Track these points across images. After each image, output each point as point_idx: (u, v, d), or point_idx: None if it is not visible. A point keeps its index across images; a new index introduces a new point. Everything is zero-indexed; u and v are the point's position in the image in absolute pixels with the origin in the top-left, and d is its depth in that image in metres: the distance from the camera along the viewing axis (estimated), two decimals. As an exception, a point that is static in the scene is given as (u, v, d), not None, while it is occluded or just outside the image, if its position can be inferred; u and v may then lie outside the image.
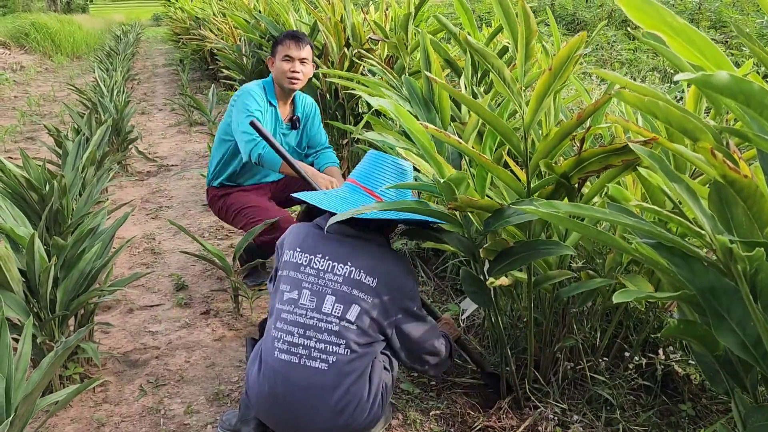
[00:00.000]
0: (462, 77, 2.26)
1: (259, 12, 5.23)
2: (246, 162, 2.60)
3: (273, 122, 2.70)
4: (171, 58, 11.72)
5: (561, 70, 1.33)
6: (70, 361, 2.03)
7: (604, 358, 1.84)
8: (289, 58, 2.61)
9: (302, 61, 2.63)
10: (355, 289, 1.55)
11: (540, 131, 1.77)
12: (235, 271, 2.54)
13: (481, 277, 1.66)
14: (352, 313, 1.54)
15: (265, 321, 1.78)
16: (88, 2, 27.93)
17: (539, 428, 1.75)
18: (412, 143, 1.78)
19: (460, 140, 1.46)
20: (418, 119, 1.66)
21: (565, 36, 7.51)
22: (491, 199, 1.53)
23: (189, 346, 2.29)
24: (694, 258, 1.07)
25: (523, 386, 1.84)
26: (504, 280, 1.57)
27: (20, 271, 1.81)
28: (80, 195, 2.63)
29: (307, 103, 2.85)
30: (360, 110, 3.68)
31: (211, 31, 6.89)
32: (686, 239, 1.13)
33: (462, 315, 2.30)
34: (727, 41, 6.63)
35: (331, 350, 1.52)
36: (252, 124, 2.17)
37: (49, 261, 1.81)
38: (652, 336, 1.86)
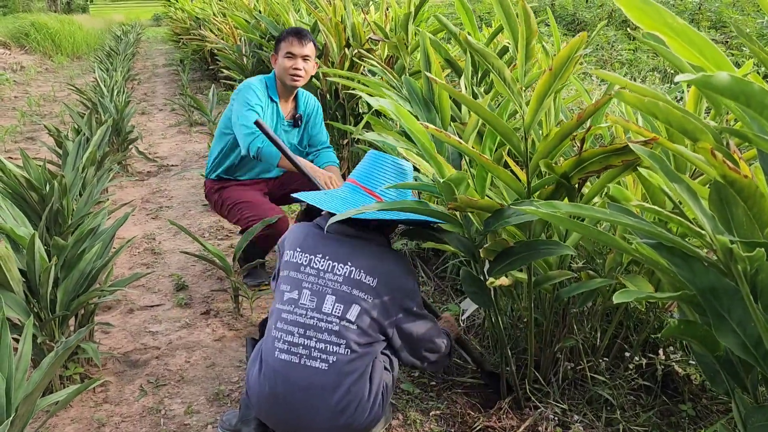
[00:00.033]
0: (462, 77, 2.26)
1: (260, 12, 5.23)
2: (244, 156, 2.61)
3: (274, 118, 2.70)
4: (171, 58, 11.72)
5: (561, 70, 1.33)
6: (70, 361, 2.03)
7: (605, 359, 1.84)
8: (291, 55, 2.61)
9: (305, 58, 2.62)
10: (355, 289, 1.56)
11: (540, 131, 1.77)
12: (235, 271, 2.54)
13: (482, 278, 1.66)
14: (353, 312, 1.54)
15: (265, 321, 1.78)
16: (89, 2, 27.93)
17: (539, 428, 1.74)
18: (412, 143, 1.78)
19: (461, 140, 1.46)
20: (418, 119, 1.66)
21: (566, 36, 7.51)
22: (491, 199, 1.53)
23: (189, 347, 2.29)
24: (694, 258, 1.07)
25: (524, 386, 1.84)
26: (504, 281, 1.57)
27: (20, 271, 1.81)
28: (80, 195, 2.63)
29: (309, 101, 2.85)
30: (360, 110, 3.68)
31: (211, 31, 6.89)
32: (686, 239, 1.13)
33: (462, 315, 2.30)
34: (727, 41, 6.63)
35: (331, 350, 1.52)
36: (257, 123, 2.18)
37: (50, 261, 1.81)
38: (653, 336, 1.86)
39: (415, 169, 1.76)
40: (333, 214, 1.48)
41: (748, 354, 1.04)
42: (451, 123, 1.98)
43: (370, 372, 1.57)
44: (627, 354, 1.82)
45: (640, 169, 1.39)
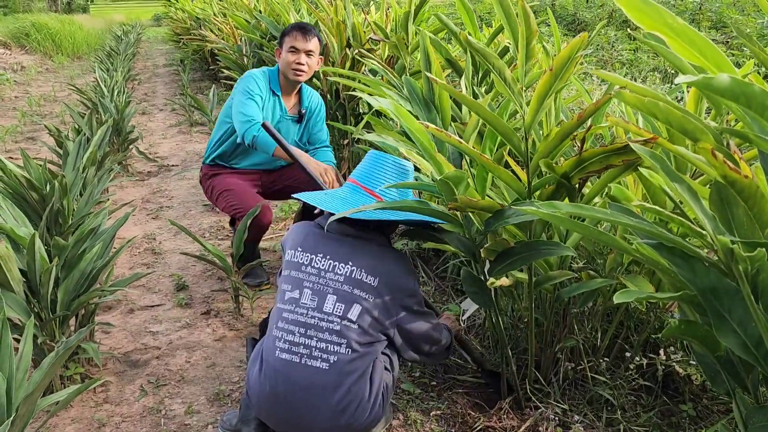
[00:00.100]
0: (462, 77, 2.26)
1: (260, 12, 5.23)
2: (240, 143, 2.61)
3: (276, 111, 2.70)
4: (172, 58, 11.72)
5: (562, 70, 1.33)
6: (70, 361, 2.03)
7: (605, 359, 1.84)
8: (294, 50, 2.61)
9: (308, 53, 2.62)
10: (356, 289, 1.56)
11: (541, 131, 1.77)
12: (236, 271, 2.54)
13: (482, 278, 1.66)
14: (354, 312, 1.54)
15: (265, 321, 1.79)
16: (89, 2, 27.95)
17: (540, 429, 1.74)
18: (412, 143, 1.78)
19: (461, 140, 1.46)
20: (418, 119, 1.66)
21: (566, 36, 7.51)
22: (492, 199, 1.53)
23: (190, 347, 2.29)
24: (695, 258, 1.07)
25: (524, 386, 1.84)
26: (505, 281, 1.57)
27: (21, 271, 1.81)
28: (81, 195, 2.63)
29: (313, 97, 2.85)
30: (361, 110, 3.68)
31: (211, 31, 6.90)
32: (687, 240, 1.13)
33: (463, 315, 2.30)
34: (727, 41, 6.62)
35: (332, 350, 1.53)
36: (263, 125, 2.19)
37: (50, 261, 1.81)
38: (653, 336, 1.86)
39: (416, 169, 1.76)
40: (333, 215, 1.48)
41: (749, 354, 1.04)
42: (452, 123, 1.98)
43: (371, 372, 1.57)
44: (628, 354, 1.82)
45: (641, 169, 1.39)
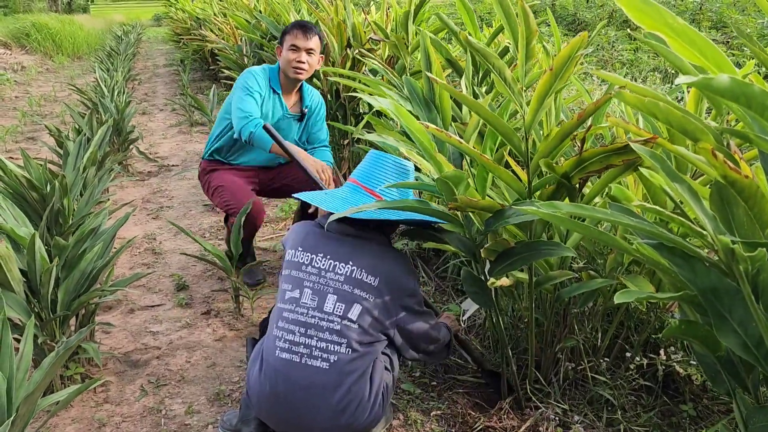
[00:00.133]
0: (463, 77, 2.26)
1: (260, 12, 5.23)
2: (237, 139, 2.61)
3: (275, 109, 2.70)
4: (172, 58, 11.72)
5: (562, 70, 1.33)
6: (71, 361, 2.04)
7: (605, 359, 1.84)
8: (295, 48, 2.60)
9: (309, 51, 2.62)
10: (356, 288, 1.56)
11: (541, 131, 1.77)
12: (236, 271, 2.54)
13: (482, 278, 1.66)
14: (354, 312, 1.54)
15: (265, 321, 1.79)
16: (89, 2, 27.96)
17: (540, 429, 1.74)
18: (412, 143, 1.78)
19: (461, 140, 1.46)
20: (418, 119, 1.66)
21: (566, 36, 7.51)
22: (492, 199, 1.53)
23: (190, 347, 2.29)
24: (695, 258, 1.07)
25: (524, 387, 1.84)
26: (505, 281, 1.57)
27: (21, 271, 1.81)
28: (81, 195, 2.63)
29: (314, 96, 2.85)
30: (361, 110, 3.68)
31: (211, 31, 6.90)
32: (688, 240, 1.13)
33: (463, 315, 2.30)
34: (728, 41, 6.62)
35: (332, 349, 1.53)
36: (265, 128, 2.19)
37: (51, 261, 1.81)
38: (654, 336, 1.86)
39: (417, 169, 1.76)
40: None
41: (750, 354, 1.04)
42: (452, 123, 1.98)
43: (371, 372, 1.57)
44: (628, 354, 1.82)
45: (641, 169, 1.39)
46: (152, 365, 2.17)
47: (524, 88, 1.44)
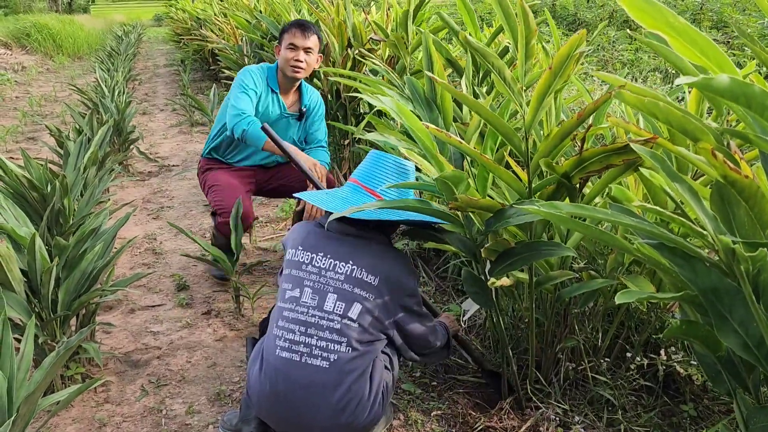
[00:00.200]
0: (463, 77, 2.26)
1: (261, 12, 5.23)
2: (231, 137, 2.61)
3: (273, 108, 2.70)
4: (172, 58, 11.73)
5: (561, 68, 1.33)
6: (71, 361, 2.04)
7: (606, 359, 1.84)
8: (293, 47, 2.59)
9: (307, 50, 2.61)
10: (356, 288, 1.56)
11: (541, 131, 1.77)
12: (236, 272, 2.54)
13: (483, 278, 1.66)
14: (354, 311, 1.55)
15: (266, 320, 1.79)
16: (90, 3, 27.97)
17: (541, 429, 1.74)
18: (413, 143, 1.77)
19: (461, 140, 1.46)
20: (420, 119, 1.66)
21: (566, 36, 7.50)
22: (493, 199, 1.52)
23: (190, 347, 2.29)
24: (696, 258, 1.07)
25: (525, 387, 1.84)
26: (505, 281, 1.57)
27: (22, 271, 1.81)
28: (82, 195, 2.63)
29: (313, 96, 2.84)
30: (362, 110, 3.67)
31: (212, 31, 6.90)
32: (688, 240, 1.13)
33: (463, 316, 2.30)
34: (729, 41, 6.62)
35: (332, 348, 1.53)
36: (263, 128, 2.19)
37: (51, 261, 1.81)
38: (654, 336, 1.86)
39: (417, 169, 1.76)
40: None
41: (750, 354, 1.04)
42: (453, 123, 1.97)
43: (371, 371, 1.57)
44: (628, 354, 1.82)
45: (642, 169, 1.39)
46: (153, 365, 2.17)
47: (524, 88, 1.44)
